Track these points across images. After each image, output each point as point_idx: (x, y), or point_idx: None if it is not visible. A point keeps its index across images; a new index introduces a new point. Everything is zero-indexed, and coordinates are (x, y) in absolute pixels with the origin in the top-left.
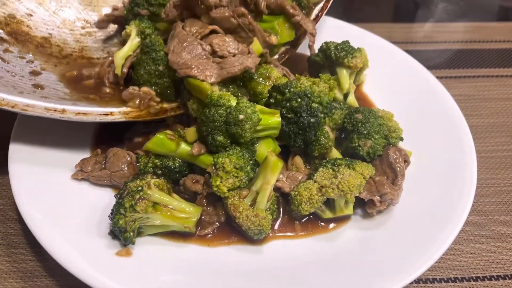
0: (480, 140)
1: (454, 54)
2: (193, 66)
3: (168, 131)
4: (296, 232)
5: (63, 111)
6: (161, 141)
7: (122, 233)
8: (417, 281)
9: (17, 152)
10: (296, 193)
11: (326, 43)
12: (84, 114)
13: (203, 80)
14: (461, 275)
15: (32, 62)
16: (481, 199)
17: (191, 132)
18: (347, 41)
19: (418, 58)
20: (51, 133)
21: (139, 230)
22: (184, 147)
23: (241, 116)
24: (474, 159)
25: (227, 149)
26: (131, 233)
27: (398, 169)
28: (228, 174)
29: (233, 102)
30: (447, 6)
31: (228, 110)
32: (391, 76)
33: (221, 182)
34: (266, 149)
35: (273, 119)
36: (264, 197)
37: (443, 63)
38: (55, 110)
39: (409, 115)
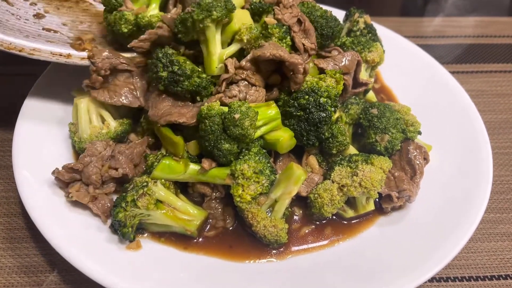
0: (493, 136)
1: (466, 48)
2: (172, 112)
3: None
4: (327, 237)
5: (69, 55)
6: (167, 166)
7: (120, 228)
8: (431, 279)
9: (21, 145)
10: (316, 195)
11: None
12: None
13: (184, 122)
14: (476, 273)
15: (35, 4)
16: (495, 196)
17: (193, 145)
18: (364, 35)
19: (428, 53)
20: (54, 126)
21: (141, 226)
22: (193, 167)
23: (236, 116)
24: (490, 156)
25: (240, 156)
26: (130, 229)
27: (417, 166)
28: (248, 180)
29: (225, 108)
30: (457, 0)
31: (223, 116)
32: (403, 70)
33: (243, 190)
34: (284, 133)
35: (270, 109)
36: (283, 207)
37: (454, 58)
38: (61, 55)
39: (423, 110)
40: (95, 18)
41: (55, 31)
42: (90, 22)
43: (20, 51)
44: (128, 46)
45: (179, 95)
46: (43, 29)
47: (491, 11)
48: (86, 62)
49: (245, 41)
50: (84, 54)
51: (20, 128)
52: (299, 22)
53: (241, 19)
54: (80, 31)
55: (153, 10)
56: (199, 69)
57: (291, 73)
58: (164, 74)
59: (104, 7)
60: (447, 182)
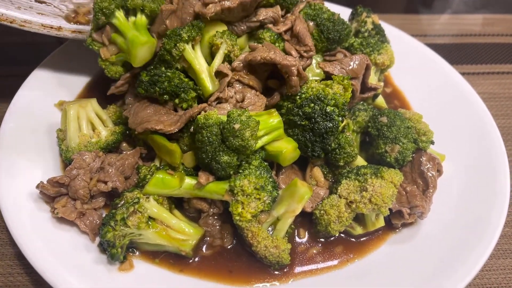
0: (507, 143)
1: (475, 48)
2: (151, 120)
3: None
4: (336, 257)
5: (59, 28)
6: (161, 181)
7: (109, 248)
8: None
9: (4, 152)
10: (322, 212)
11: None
12: (80, 32)
13: (160, 129)
14: None
15: None
16: (509, 209)
17: (188, 157)
18: (372, 36)
19: (436, 52)
20: (41, 131)
21: (132, 245)
22: (189, 181)
23: (236, 126)
24: (507, 167)
25: (240, 170)
26: (119, 249)
27: (430, 179)
28: (249, 197)
29: (223, 117)
30: None
31: (221, 126)
32: (413, 73)
33: (243, 208)
34: (287, 144)
35: (272, 118)
36: (286, 225)
37: (463, 58)
38: (52, 27)
39: (434, 116)
40: None
41: (48, 4)
42: None
43: (11, 22)
44: (107, 93)
45: (161, 103)
46: (36, 1)
47: (502, 7)
48: (76, 36)
49: (220, 44)
50: (75, 26)
51: (4, 132)
52: (290, 28)
53: (215, 27)
54: (75, 4)
55: None
56: (182, 74)
57: (286, 75)
58: (146, 78)
59: None
60: (461, 195)
